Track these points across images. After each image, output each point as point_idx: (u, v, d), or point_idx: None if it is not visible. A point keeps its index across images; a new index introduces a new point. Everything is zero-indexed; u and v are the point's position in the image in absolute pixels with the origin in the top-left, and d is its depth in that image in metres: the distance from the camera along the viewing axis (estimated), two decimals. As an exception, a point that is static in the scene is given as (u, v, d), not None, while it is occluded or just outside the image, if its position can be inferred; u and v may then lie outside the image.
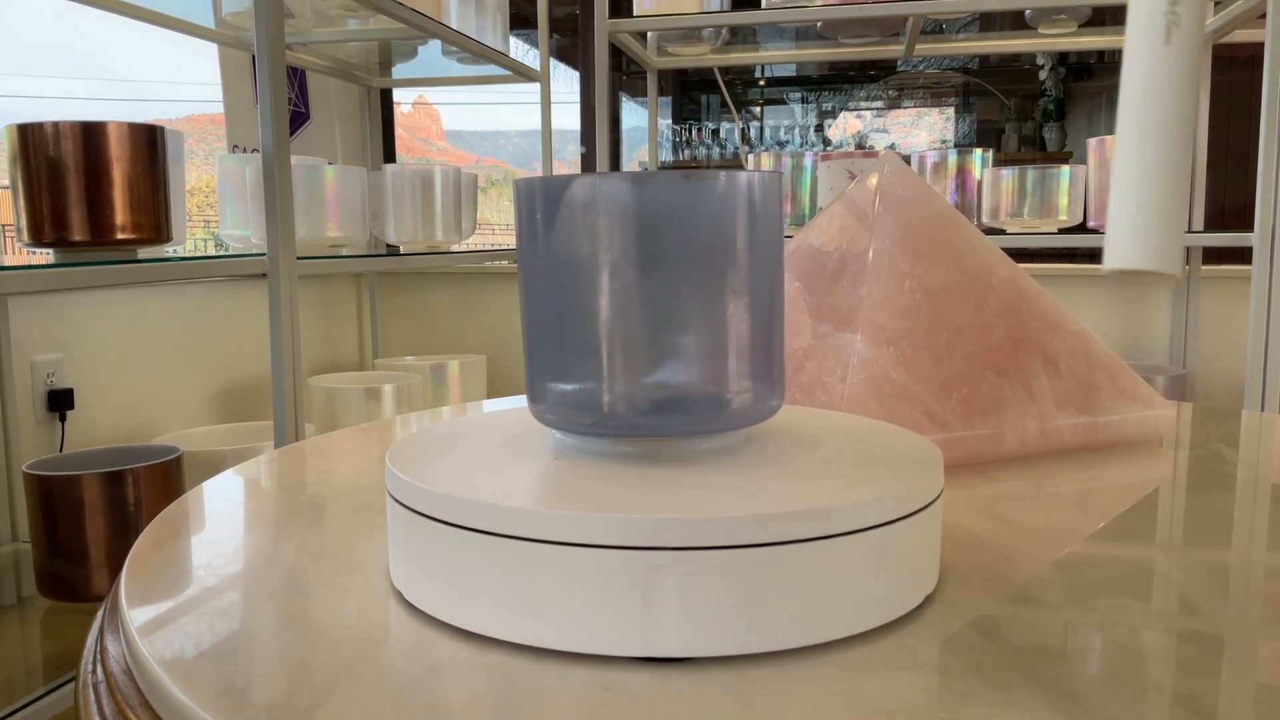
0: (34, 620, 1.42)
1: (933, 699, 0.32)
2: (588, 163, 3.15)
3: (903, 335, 0.61)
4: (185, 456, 1.49)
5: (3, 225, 1.66)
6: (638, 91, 5.07)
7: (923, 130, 5.80)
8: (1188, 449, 0.68)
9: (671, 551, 0.34)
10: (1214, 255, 2.19)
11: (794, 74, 5.89)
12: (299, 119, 2.43)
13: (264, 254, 1.42)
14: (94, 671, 0.38)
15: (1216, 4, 1.97)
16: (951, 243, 0.65)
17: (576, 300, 0.39)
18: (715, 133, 5.57)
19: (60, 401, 1.68)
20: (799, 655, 0.35)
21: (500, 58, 2.32)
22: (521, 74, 2.47)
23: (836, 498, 0.36)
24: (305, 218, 1.74)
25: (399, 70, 2.64)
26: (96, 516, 1.33)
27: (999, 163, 2.04)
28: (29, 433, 1.65)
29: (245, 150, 2.19)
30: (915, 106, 5.81)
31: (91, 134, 1.23)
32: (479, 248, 2.36)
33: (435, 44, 2.20)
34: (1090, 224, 1.96)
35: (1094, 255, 3.15)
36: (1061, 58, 5.09)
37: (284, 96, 1.40)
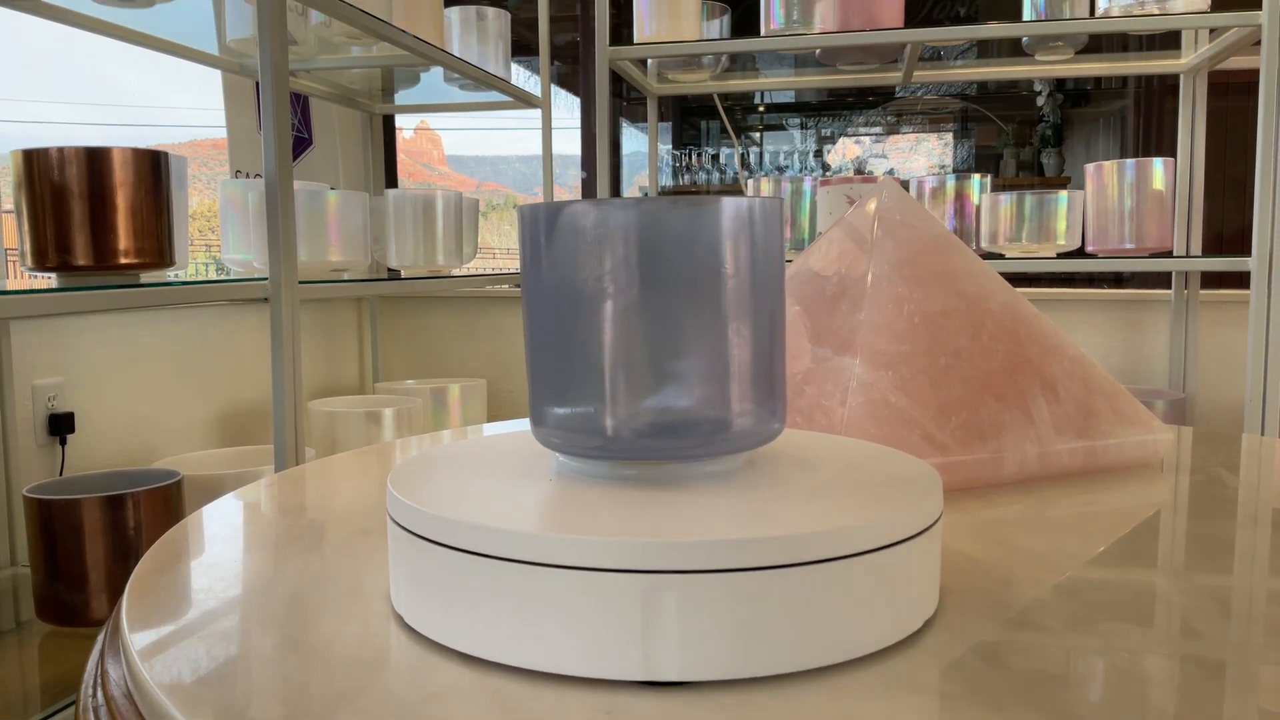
0: (32, 645, 1.42)
1: (933, 723, 0.32)
2: (588, 188, 3.17)
3: (902, 359, 0.61)
4: (185, 480, 1.49)
5: (5, 249, 1.67)
6: (638, 117, 5.10)
7: (921, 155, 5.84)
8: (1188, 473, 0.68)
9: (671, 575, 0.34)
10: (1212, 279, 2.20)
11: (793, 100, 5.93)
12: (302, 144, 2.45)
13: (266, 278, 1.42)
14: (95, 695, 0.38)
15: (1212, 32, 1.99)
16: (949, 267, 0.66)
17: (580, 324, 0.40)
18: (715, 158, 5.60)
19: (61, 425, 1.68)
20: (799, 679, 0.35)
21: (502, 84, 2.34)
22: (523, 100, 2.49)
23: (836, 522, 0.36)
24: (307, 242, 1.75)
25: (401, 96, 2.66)
26: (96, 541, 1.32)
27: (997, 188, 2.05)
28: (29, 456, 1.65)
29: (248, 175, 2.20)
30: (914, 132, 5.85)
31: (96, 159, 1.24)
32: (480, 272, 2.37)
33: (438, 70, 2.22)
34: (1088, 249, 1.97)
35: (1092, 280, 3.16)
36: (1059, 84, 5.12)
37: (287, 122, 1.41)
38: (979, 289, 0.66)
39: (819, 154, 5.79)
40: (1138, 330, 2.27)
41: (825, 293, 0.67)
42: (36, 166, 1.22)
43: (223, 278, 1.83)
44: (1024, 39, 2.05)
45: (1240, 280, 1.82)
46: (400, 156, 3.01)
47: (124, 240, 1.26)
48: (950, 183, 2.05)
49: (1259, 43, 1.74)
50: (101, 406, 1.80)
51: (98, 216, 1.24)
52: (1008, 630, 0.39)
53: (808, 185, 2.14)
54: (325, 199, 1.78)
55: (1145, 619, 0.41)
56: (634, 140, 5.34)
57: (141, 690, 0.35)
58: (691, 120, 6.04)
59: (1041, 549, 0.50)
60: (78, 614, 1.33)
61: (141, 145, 1.30)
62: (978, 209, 2.03)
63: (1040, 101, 5.24)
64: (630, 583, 0.34)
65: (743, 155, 5.81)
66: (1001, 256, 1.96)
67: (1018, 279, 1.87)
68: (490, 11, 2.33)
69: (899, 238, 0.66)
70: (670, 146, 5.74)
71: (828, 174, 5.59)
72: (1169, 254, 2.00)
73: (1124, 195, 1.91)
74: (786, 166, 5.71)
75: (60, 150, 1.23)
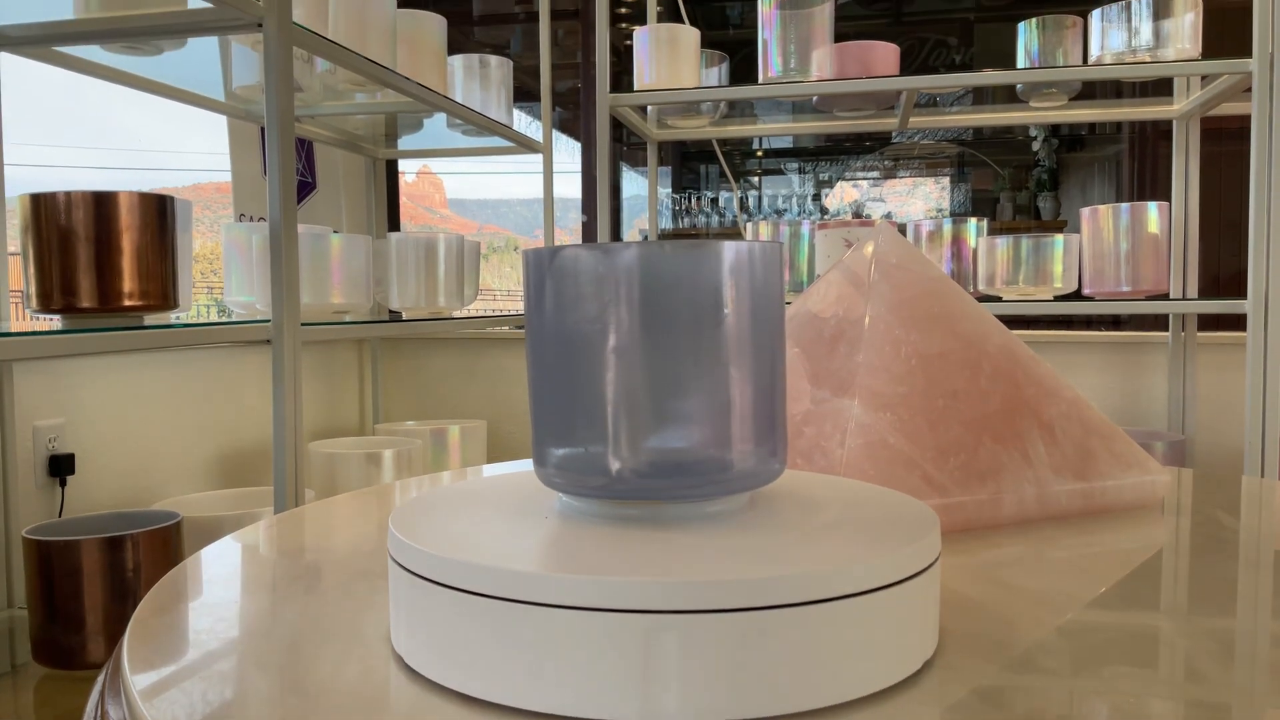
0: (28, 687, 1.40)
1: (935, 765, 0.32)
2: (589, 231, 3.19)
3: (900, 401, 0.62)
4: (185, 522, 1.49)
5: (9, 291, 1.68)
6: (638, 161, 5.15)
7: (918, 199, 5.89)
8: (1188, 515, 0.68)
9: (672, 615, 0.34)
10: (1209, 322, 2.20)
11: (791, 145, 6.00)
12: (306, 188, 2.47)
13: (268, 320, 1.43)
14: (93, 738, 0.38)
15: (1204, 79, 2.03)
16: (946, 310, 0.67)
17: (583, 366, 0.40)
18: (714, 201, 5.65)
19: (61, 467, 1.68)
20: (800, 721, 0.35)
21: (504, 130, 2.37)
22: (525, 145, 2.52)
23: (836, 562, 0.36)
24: (310, 284, 1.77)
25: (405, 141, 2.69)
26: (95, 582, 1.32)
27: (994, 231, 2.07)
28: (29, 498, 1.64)
29: (252, 219, 2.22)
30: (911, 176, 5.90)
31: (102, 203, 1.25)
32: (481, 313, 2.38)
33: (441, 116, 2.25)
34: (1085, 291, 1.99)
35: (1090, 322, 3.17)
36: (1054, 130, 5.19)
37: (292, 168, 1.43)
38: (976, 331, 0.66)
39: (817, 198, 5.84)
40: (1136, 372, 2.27)
41: (823, 335, 0.67)
42: (43, 210, 1.24)
43: (225, 319, 1.84)
44: (1018, 86, 2.08)
45: (1237, 323, 1.83)
46: (403, 200, 3.04)
47: (128, 283, 1.28)
48: (947, 226, 2.07)
49: (1250, 89, 1.76)
50: (102, 448, 1.79)
51: (103, 259, 1.25)
52: (1009, 672, 0.39)
53: (806, 229, 2.16)
54: (328, 242, 1.80)
55: (1148, 661, 0.41)
56: (634, 184, 5.39)
57: (141, 732, 0.35)
58: (691, 164, 6.10)
59: (1041, 590, 0.50)
60: (75, 657, 1.32)
61: (147, 188, 1.32)
62: (974, 252, 2.05)
63: (1036, 146, 5.30)
64: (631, 623, 0.34)
65: (742, 199, 5.86)
66: (998, 299, 1.97)
67: (1014, 321, 1.87)
68: (493, 59, 2.37)
69: (896, 280, 0.67)
70: (670, 190, 5.80)
71: (826, 217, 5.63)
72: (1165, 297, 2.01)
73: (1119, 238, 1.93)
74: (785, 210, 5.76)
75: (67, 195, 1.25)
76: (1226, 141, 2.40)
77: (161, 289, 1.32)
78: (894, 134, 5.43)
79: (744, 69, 2.60)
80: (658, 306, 0.40)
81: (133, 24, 1.43)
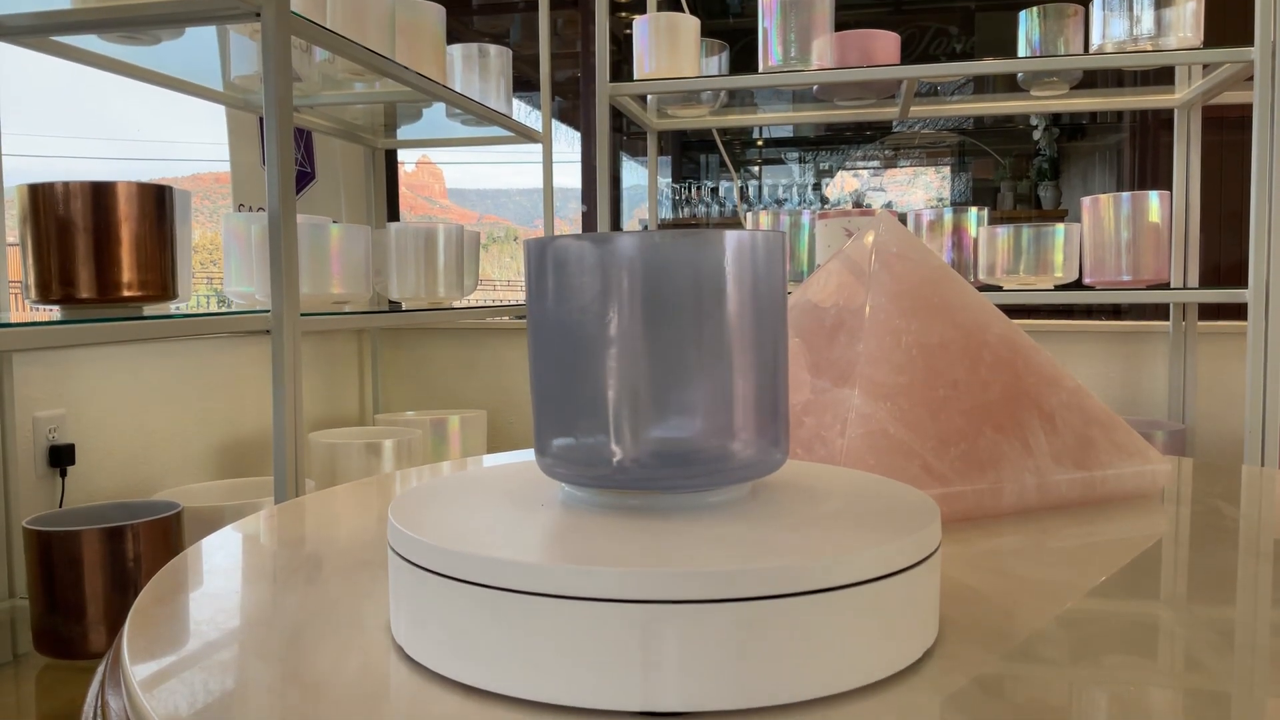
0: (30, 678, 1.41)
1: (934, 754, 0.32)
2: (589, 221, 3.19)
3: (900, 390, 0.62)
4: (185, 512, 1.49)
5: (8, 282, 1.68)
6: (638, 151, 5.14)
7: (919, 189, 5.88)
8: (1188, 504, 0.68)
9: (672, 605, 0.34)
10: (1210, 311, 2.20)
11: (791, 134, 5.98)
12: (305, 179, 2.47)
13: (268, 310, 1.43)
14: (94, 728, 0.38)
15: (1205, 67, 2.02)
16: (946, 299, 0.66)
17: (585, 356, 0.40)
18: (714, 191, 5.64)
19: (61, 457, 1.68)
20: (798, 709, 0.35)
21: (503, 119, 2.36)
22: (524, 135, 2.51)
23: (836, 552, 0.36)
24: (309, 275, 1.76)
25: (404, 131, 2.68)
26: (95, 572, 1.32)
27: (994, 221, 2.07)
28: (29, 488, 1.64)
29: (251, 209, 2.22)
30: (911, 165, 5.89)
31: (101, 194, 1.25)
32: (481, 303, 2.38)
33: (440, 106, 2.24)
34: (1085, 281, 1.98)
35: (1090, 312, 3.17)
36: (1055, 119, 5.17)
37: (291, 158, 1.43)
38: (976, 321, 0.66)
39: (817, 187, 5.83)
40: (1136, 362, 2.27)
41: (824, 324, 0.67)
42: (42, 201, 1.23)
43: (225, 310, 1.84)
44: (1019, 75, 2.08)
45: (1238, 312, 1.83)
46: (402, 190, 3.03)
47: (127, 273, 1.27)
48: (948, 216, 2.06)
49: (1251, 78, 1.76)
50: (102, 438, 1.79)
51: (101, 250, 1.25)
52: (1009, 661, 0.39)
53: (806, 218, 2.16)
54: (328, 232, 1.79)
55: (1148, 650, 0.41)
56: (634, 174, 5.38)
57: (142, 722, 0.35)
58: (691, 154, 6.09)
59: (1042, 579, 0.50)
60: (76, 647, 1.32)
61: (145, 179, 1.31)
62: (975, 242, 2.05)
63: (1037, 135, 5.29)
64: (631, 613, 0.34)
65: (742, 188, 5.85)
66: (999, 289, 1.97)
67: (1015, 311, 1.87)
68: (492, 48, 2.36)
69: (896, 270, 0.67)
70: (670, 180, 5.79)
71: (826, 207, 5.62)
72: (1166, 286, 2.01)
73: (1120, 228, 1.93)
74: (785, 199, 5.75)
75: (65, 185, 1.24)
76: (1228, 130, 2.39)
77: (160, 279, 1.32)
78: (894, 123, 5.41)
79: (744, 58, 2.59)
80: (661, 296, 0.40)
81: (131, 13, 1.43)
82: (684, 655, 0.34)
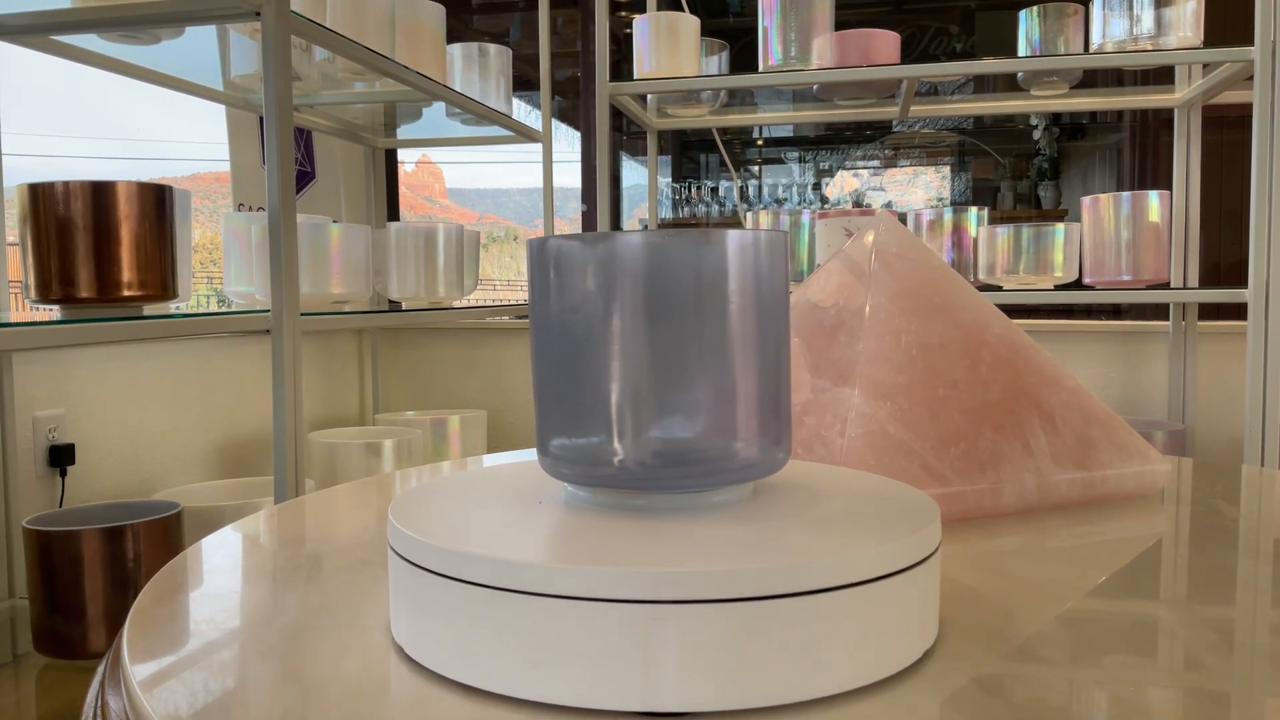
0: (29, 678, 1.41)
1: (935, 754, 0.32)
2: (589, 220, 3.19)
3: (900, 390, 0.62)
4: (185, 512, 1.49)
5: (8, 281, 1.68)
6: (638, 151, 5.14)
7: (919, 188, 5.88)
8: (1188, 504, 0.68)
9: (672, 605, 0.34)
10: (1210, 311, 2.20)
11: (791, 134, 5.98)
12: (305, 178, 2.47)
13: (268, 310, 1.43)
14: (94, 728, 0.38)
15: (1205, 67, 2.02)
16: (946, 299, 0.66)
17: (587, 355, 0.40)
18: (714, 191, 5.64)
19: (61, 457, 1.68)
20: (798, 709, 0.35)
21: (503, 119, 2.36)
22: (524, 135, 2.51)
23: (836, 552, 0.36)
24: (309, 274, 1.76)
25: (404, 130, 2.68)
26: (95, 572, 1.32)
27: (994, 220, 2.07)
28: (29, 488, 1.64)
29: (251, 209, 2.22)
30: (911, 165, 5.89)
31: (101, 193, 1.25)
32: (480, 303, 2.38)
33: (440, 105, 2.24)
34: (1085, 281, 1.98)
35: (1090, 311, 3.17)
36: (1055, 118, 5.17)
37: (291, 157, 1.42)
38: (976, 321, 0.66)
39: (817, 187, 5.83)
40: (1136, 362, 2.27)
41: (824, 324, 0.67)
42: (41, 200, 1.23)
43: (225, 310, 1.84)
44: (1019, 74, 2.08)
45: (1238, 312, 1.83)
46: (402, 190, 3.03)
47: (127, 273, 1.27)
48: (948, 215, 2.06)
49: (1251, 77, 1.76)
50: (102, 438, 1.79)
51: (101, 250, 1.25)
52: (1009, 661, 0.39)
53: (806, 218, 2.15)
54: (328, 232, 1.79)
55: (1148, 650, 0.41)
56: (634, 173, 5.38)
57: (142, 722, 0.35)
58: (691, 154, 6.09)
59: (1042, 579, 0.50)
60: (76, 646, 1.32)
61: (145, 178, 1.31)
62: (975, 241, 2.05)
63: (1036, 135, 5.29)
64: (632, 613, 0.34)
65: (742, 188, 5.85)
66: (999, 288, 1.97)
67: (1015, 310, 1.87)
68: (492, 48, 2.36)
69: (896, 270, 0.67)
70: (670, 179, 5.79)
71: (826, 207, 5.62)
72: (1166, 286, 2.01)
73: (1120, 227, 1.93)
74: (785, 199, 5.75)
75: (65, 184, 1.24)
76: (1228, 130, 2.39)
77: (160, 279, 1.32)
78: (894, 123, 5.41)
79: (744, 57, 2.59)
80: (664, 296, 0.39)
81: (130, 13, 1.43)
82: (684, 655, 0.34)
